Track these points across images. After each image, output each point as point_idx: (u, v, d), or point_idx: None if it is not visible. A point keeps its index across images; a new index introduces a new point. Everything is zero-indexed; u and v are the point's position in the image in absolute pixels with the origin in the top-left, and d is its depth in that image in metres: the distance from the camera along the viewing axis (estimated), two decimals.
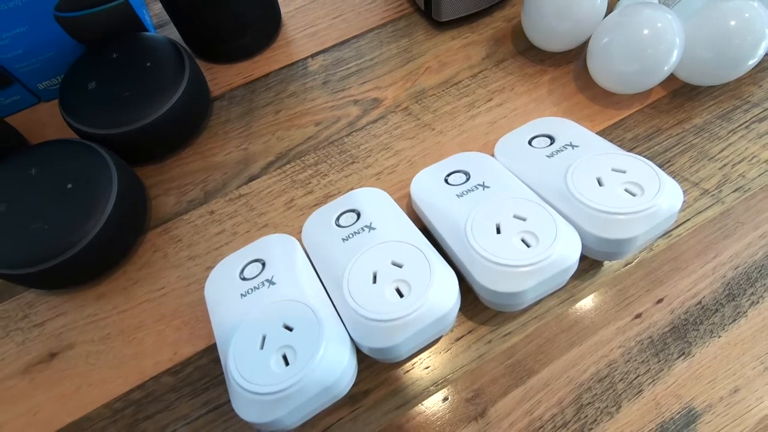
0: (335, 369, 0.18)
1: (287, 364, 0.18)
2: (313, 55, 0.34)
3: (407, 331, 0.18)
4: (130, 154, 0.28)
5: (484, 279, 0.20)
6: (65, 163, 0.25)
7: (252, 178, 0.29)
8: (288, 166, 0.29)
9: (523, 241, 0.20)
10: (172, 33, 0.35)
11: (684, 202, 0.26)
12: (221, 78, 0.34)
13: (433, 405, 0.22)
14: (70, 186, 0.24)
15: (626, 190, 0.21)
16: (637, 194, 0.21)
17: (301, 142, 0.30)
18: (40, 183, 0.24)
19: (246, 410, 0.18)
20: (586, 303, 0.24)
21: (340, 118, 0.31)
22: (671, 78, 0.30)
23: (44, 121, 0.32)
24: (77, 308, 0.26)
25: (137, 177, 0.28)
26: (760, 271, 0.24)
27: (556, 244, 0.20)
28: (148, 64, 0.28)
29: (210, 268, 0.26)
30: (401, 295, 0.19)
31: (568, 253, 0.20)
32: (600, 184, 0.22)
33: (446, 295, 0.19)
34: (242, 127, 0.31)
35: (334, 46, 0.35)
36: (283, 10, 0.37)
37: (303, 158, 0.30)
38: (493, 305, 0.22)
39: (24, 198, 0.24)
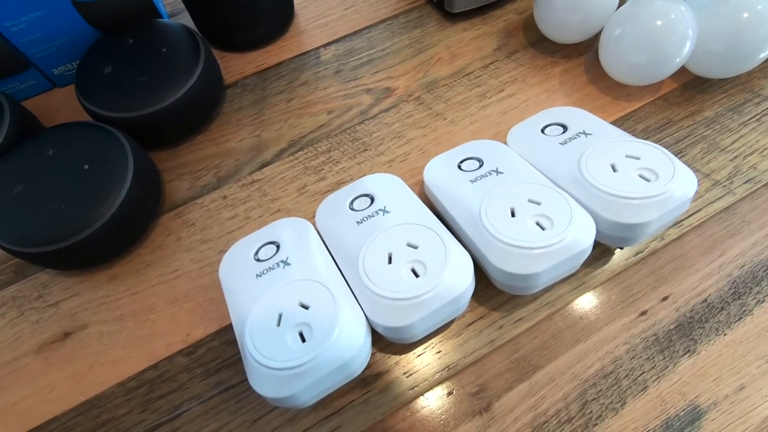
0: (351, 347, 0.18)
1: (304, 341, 0.18)
2: (325, 45, 0.35)
3: (423, 311, 0.19)
4: (145, 138, 0.28)
5: (499, 261, 0.20)
6: (82, 145, 0.25)
7: (264, 165, 0.29)
8: (300, 153, 0.30)
9: (537, 224, 0.20)
10: (186, 21, 0.35)
11: (699, 185, 0.26)
12: (234, 66, 0.34)
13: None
14: (86, 167, 0.24)
15: (640, 176, 0.21)
16: (651, 180, 0.21)
17: (313, 130, 0.31)
18: (57, 164, 0.25)
19: (263, 385, 0.18)
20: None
21: (352, 106, 0.31)
22: (682, 70, 0.30)
23: (58, 106, 0.33)
24: (91, 289, 0.26)
25: (151, 160, 0.28)
26: (766, 270, 0.24)
27: (571, 228, 0.20)
28: (164, 50, 0.29)
29: (223, 251, 0.26)
30: (417, 276, 0.19)
31: (583, 237, 0.20)
32: (614, 170, 0.22)
33: (462, 276, 0.19)
34: (255, 115, 0.32)
35: (346, 36, 0.35)
36: (295, 0, 0.37)
37: (315, 145, 0.30)
38: (507, 288, 0.22)
39: (41, 178, 0.24)
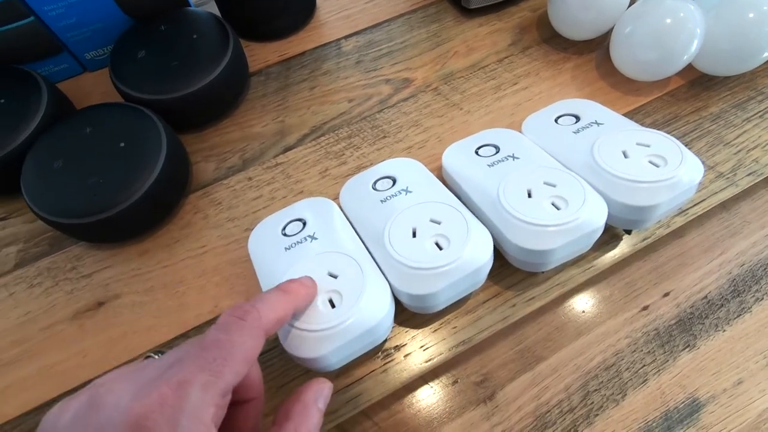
0: (378, 313, 0.20)
1: (333, 307, 0.20)
2: (346, 37, 0.36)
3: (445, 280, 0.20)
4: (174, 121, 0.29)
5: (517, 238, 0.21)
6: (117, 124, 0.26)
7: (288, 149, 0.31)
8: (322, 138, 0.31)
9: (553, 204, 0.22)
10: (211, 11, 0.36)
11: (704, 175, 0.27)
12: (258, 55, 0.35)
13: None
14: (122, 145, 0.26)
15: (650, 162, 0.22)
16: (661, 166, 0.22)
17: (334, 117, 0.32)
18: (94, 141, 0.26)
19: (296, 347, 0.19)
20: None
21: (372, 95, 0.33)
22: (689, 68, 0.31)
23: (88, 90, 0.34)
24: (123, 262, 0.27)
25: (181, 142, 0.29)
26: (765, 269, 0.26)
27: (585, 208, 0.21)
28: (195, 37, 0.30)
29: (249, 229, 0.27)
30: (440, 248, 0.21)
31: (595, 217, 0.21)
32: (625, 156, 0.23)
33: (482, 250, 0.21)
34: (279, 101, 0.33)
35: (366, 28, 0.36)
36: None
37: (337, 132, 0.31)
38: (523, 265, 0.23)
39: (80, 154, 0.25)
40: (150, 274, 0.27)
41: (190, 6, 0.34)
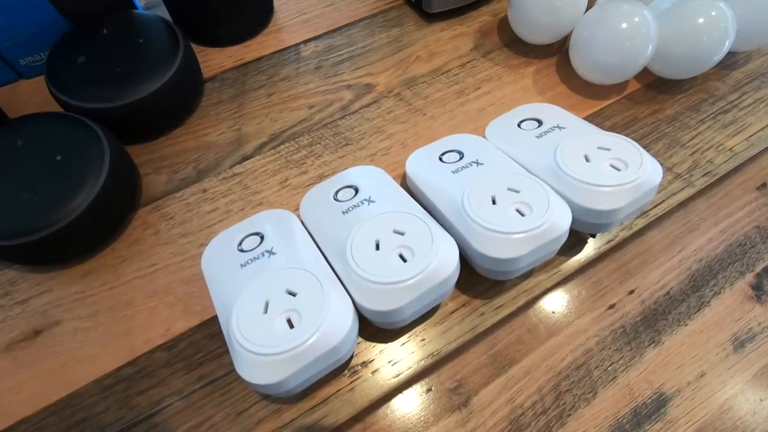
0: (339, 331, 0.19)
1: (291, 327, 0.18)
2: (305, 41, 0.35)
3: (411, 294, 0.19)
4: (121, 131, 0.27)
5: (482, 246, 0.20)
6: (53, 136, 0.24)
7: (245, 158, 0.29)
8: (282, 146, 0.30)
9: (517, 211, 0.21)
10: (161, 15, 0.35)
11: (663, 176, 0.28)
12: (212, 61, 0.34)
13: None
14: (59, 158, 0.24)
15: (611, 166, 0.22)
16: (622, 169, 0.22)
17: (294, 124, 0.31)
18: (26, 154, 0.24)
19: (251, 372, 0.18)
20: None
21: (333, 101, 0.32)
22: (645, 71, 0.32)
23: (25, 99, 0.31)
24: (63, 285, 0.25)
25: (127, 153, 0.27)
26: (721, 263, 0.26)
27: (549, 214, 0.21)
28: (141, 42, 0.28)
29: (203, 245, 0.26)
30: (404, 261, 0.20)
31: (560, 222, 0.21)
32: (587, 160, 0.23)
33: (448, 261, 0.20)
34: (235, 109, 0.31)
35: (326, 33, 0.35)
36: None
37: (297, 139, 0.30)
38: (490, 273, 0.22)
39: (10, 169, 0.23)
40: (94, 297, 0.24)
41: (136, 9, 0.32)
